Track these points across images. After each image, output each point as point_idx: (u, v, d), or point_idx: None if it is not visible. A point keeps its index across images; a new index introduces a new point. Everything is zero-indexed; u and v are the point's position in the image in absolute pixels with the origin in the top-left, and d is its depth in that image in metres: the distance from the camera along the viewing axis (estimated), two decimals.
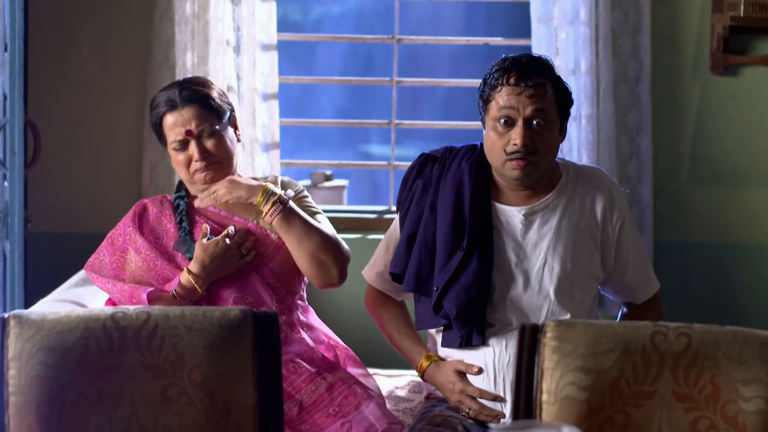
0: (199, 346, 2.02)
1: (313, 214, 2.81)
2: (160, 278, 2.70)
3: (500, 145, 2.61)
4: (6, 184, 3.48)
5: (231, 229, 2.71)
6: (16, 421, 2.00)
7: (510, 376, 2.60)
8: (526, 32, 3.84)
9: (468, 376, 2.65)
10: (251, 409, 2.03)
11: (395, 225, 2.81)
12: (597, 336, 2.00)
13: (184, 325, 2.03)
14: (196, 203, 2.80)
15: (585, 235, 2.70)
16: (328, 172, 5.50)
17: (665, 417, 1.97)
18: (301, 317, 2.77)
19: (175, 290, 2.66)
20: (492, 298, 2.65)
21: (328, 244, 2.73)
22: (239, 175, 2.81)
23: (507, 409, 2.62)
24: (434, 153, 2.79)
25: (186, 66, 3.73)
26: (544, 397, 2.00)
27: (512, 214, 2.68)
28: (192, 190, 2.83)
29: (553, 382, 2.00)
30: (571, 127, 3.68)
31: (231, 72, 3.76)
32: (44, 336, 2.02)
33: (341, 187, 5.54)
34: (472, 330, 2.63)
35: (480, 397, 2.63)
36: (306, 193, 2.88)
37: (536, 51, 3.74)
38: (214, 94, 2.77)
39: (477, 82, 2.73)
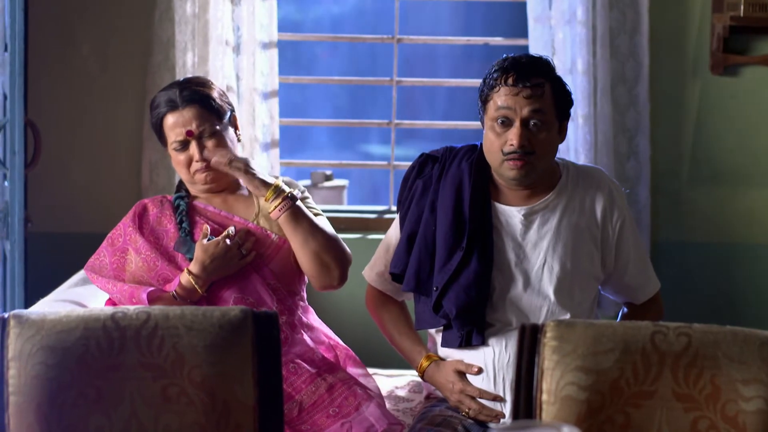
0: (199, 346, 2.02)
1: (314, 216, 2.80)
2: (160, 279, 2.70)
3: (498, 145, 2.61)
4: (6, 184, 3.48)
5: (231, 229, 2.70)
6: (16, 421, 2.00)
7: (510, 376, 2.60)
8: (526, 32, 3.84)
9: (468, 376, 2.65)
10: (251, 409, 2.03)
11: (395, 225, 2.81)
12: (597, 336, 2.00)
13: (184, 325, 2.03)
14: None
15: (585, 235, 2.70)
16: (328, 172, 5.50)
17: (665, 417, 1.97)
18: (302, 318, 2.77)
19: (175, 291, 2.66)
20: (492, 298, 2.65)
21: (332, 245, 2.74)
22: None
23: (507, 409, 2.62)
24: (434, 153, 2.79)
25: (186, 66, 3.73)
26: (544, 397, 2.00)
27: (512, 214, 2.68)
28: (192, 190, 2.83)
29: (553, 382, 2.00)
30: (569, 127, 3.68)
31: (231, 72, 3.76)
32: (44, 336, 2.02)
33: (341, 187, 5.54)
34: (471, 330, 2.63)
35: (480, 397, 2.63)
36: (307, 194, 2.88)
37: (533, 51, 3.74)
38: (215, 94, 2.77)
39: (477, 82, 2.74)
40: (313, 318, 2.82)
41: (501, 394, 2.61)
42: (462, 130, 4.31)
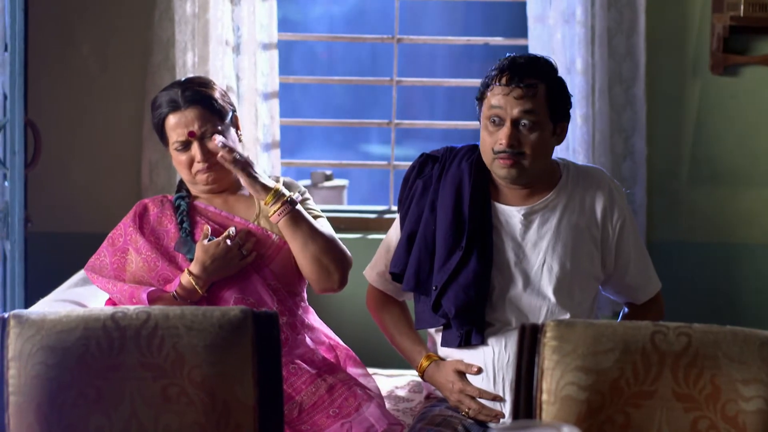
0: (199, 345, 2.02)
1: (314, 218, 2.80)
2: (160, 279, 2.69)
3: (489, 144, 2.62)
4: (6, 184, 3.48)
5: (232, 230, 2.70)
6: (16, 421, 2.00)
7: (509, 375, 2.60)
8: (526, 32, 3.84)
9: (468, 375, 2.65)
10: (251, 409, 2.03)
11: (396, 225, 2.81)
12: (597, 336, 2.00)
13: (184, 325, 2.03)
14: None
15: (585, 235, 2.70)
16: (328, 172, 5.50)
17: (665, 417, 1.97)
18: (302, 318, 2.77)
19: (175, 291, 2.66)
20: (491, 298, 2.65)
21: (332, 249, 2.73)
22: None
23: (506, 408, 2.62)
24: (434, 153, 2.80)
25: (186, 66, 3.73)
26: (544, 396, 2.00)
27: (512, 213, 2.69)
28: (193, 190, 2.82)
29: (553, 382, 2.00)
30: (568, 127, 3.69)
31: (231, 72, 3.76)
32: (44, 336, 2.02)
33: (341, 187, 5.54)
34: (471, 329, 2.63)
35: (479, 397, 2.63)
36: (308, 195, 2.88)
37: (533, 51, 3.74)
38: (217, 95, 2.76)
39: (477, 82, 2.74)
40: (313, 318, 2.82)
41: (501, 394, 2.62)
42: (462, 130, 4.31)
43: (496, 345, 2.63)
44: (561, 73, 2.74)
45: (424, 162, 2.79)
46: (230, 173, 2.76)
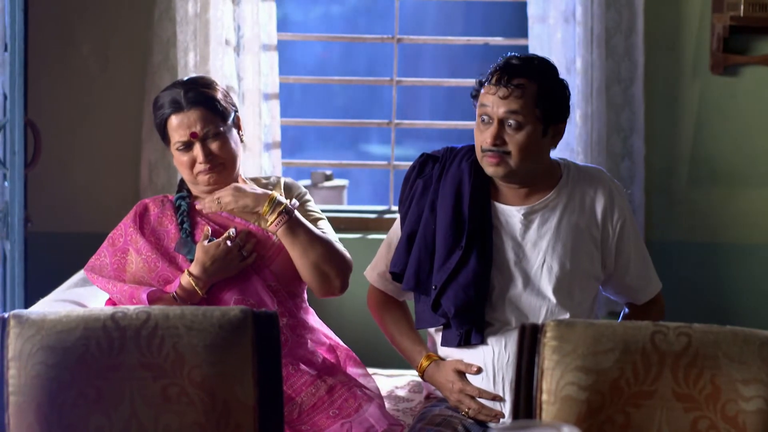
0: (199, 345, 2.02)
1: (315, 220, 2.80)
2: (160, 279, 2.69)
3: (479, 142, 2.65)
4: (6, 184, 3.48)
5: (232, 231, 2.70)
6: (16, 421, 2.00)
7: (509, 375, 2.60)
8: (526, 32, 3.84)
9: (467, 375, 2.65)
10: (251, 409, 2.03)
11: (396, 225, 2.81)
12: (597, 336, 2.00)
13: (184, 325, 2.03)
14: (199, 207, 2.79)
15: (585, 235, 2.70)
16: (328, 172, 5.50)
17: (665, 417, 1.97)
18: (302, 320, 2.77)
19: (175, 292, 2.65)
20: (491, 298, 2.65)
21: (332, 255, 2.73)
22: (243, 180, 2.81)
23: (506, 408, 2.62)
24: (435, 153, 2.80)
25: (187, 66, 3.73)
26: (544, 396, 2.00)
27: (512, 213, 2.69)
28: (194, 190, 2.82)
29: (553, 382, 2.00)
30: (568, 126, 3.69)
31: (231, 72, 3.76)
32: (44, 336, 2.02)
33: (341, 187, 5.54)
34: (470, 329, 2.64)
35: (479, 397, 2.63)
36: (309, 197, 2.87)
37: (533, 51, 3.74)
38: (219, 95, 2.75)
39: None
40: (313, 319, 2.82)
41: (500, 394, 2.62)
42: (462, 130, 4.31)
43: (495, 345, 2.63)
44: (561, 72, 2.74)
45: (424, 162, 2.79)
46: (231, 174, 2.76)
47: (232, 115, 2.78)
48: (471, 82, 4.01)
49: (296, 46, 6.07)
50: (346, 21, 6.44)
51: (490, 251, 2.66)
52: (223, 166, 2.73)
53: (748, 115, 3.93)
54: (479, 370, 2.63)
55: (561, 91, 2.67)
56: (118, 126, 3.92)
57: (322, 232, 2.76)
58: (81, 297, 2.99)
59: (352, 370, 2.78)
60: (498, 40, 4.11)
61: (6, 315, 2.05)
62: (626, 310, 2.86)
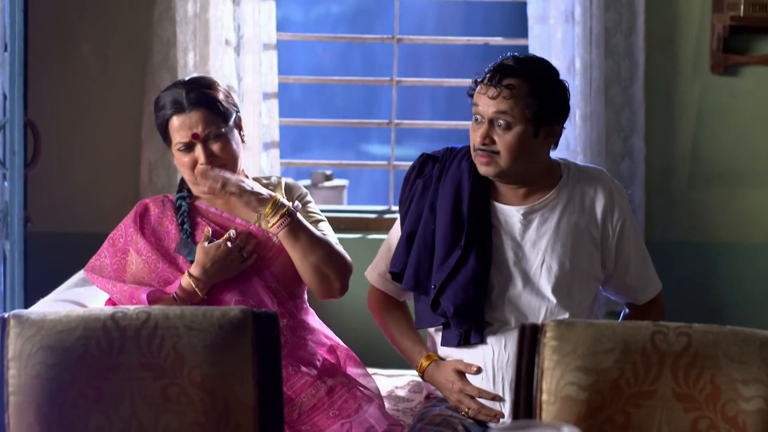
0: (199, 345, 2.02)
1: (316, 222, 2.79)
2: (161, 280, 2.69)
3: (472, 141, 2.66)
4: (6, 184, 3.49)
5: (232, 232, 2.69)
6: (16, 421, 2.00)
7: (509, 375, 2.60)
8: (525, 32, 3.84)
9: (467, 375, 2.65)
10: (251, 409, 2.03)
11: (397, 225, 2.81)
12: (597, 336, 2.00)
13: (184, 325, 2.03)
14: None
15: (584, 235, 2.70)
16: (328, 172, 5.50)
17: (665, 417, 1.97)
18: (302, 320, 2.76)
19: (175, 293, 2.65)
20: (490, 297, 2.65)
21: (333, 257, 2.72)
22: (246, 176, 2.80)
23: (506, 408, 2.62)
24: (435, 153, 2.80)
25: (186, 66, 3.73)
26: (544, 396, 2.00)
27: (511, 213, 2.69)
28: (195, 190, 2.81)
29: (553, 382, 2.00)
30: (568, 126, 3.69)
31: (231, 71, 3.76)
32: (44, 336, 2.02)
33: (341, 187, 5.54)
34: (470, 328, 2.64)
35: (479, 397, 2.63)
36: (309, 198, 2.87)
37: (533, 51, 3.74)
38: (221, 96, 2.75)
39: None
40: (313, 320, 2.82)
41: (500, 394, 2.62)
42: (462, 130, 4.30)
43: (495, 344, 2.63)
44: (561, 72, 2.74)
45: (424, 162, 2.80)
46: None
47: (234, 115, 2.77)
48: (470, 82, 4.03)
49: (296, 46, 6.07)
50: (346, 21, 6.44)
51: (490, 251, 2.66)
52: (224, 167, 2.73)
53: (748, 115, 3.93)
54: (479, 370, 2.63)
55: (557, 92, 2.65)
56: (118, 126, 3.92)
57: (323, 234, 2.76)
58: (81, 297, 2.99)
59: (352, 371, 2.78)
60: (498, 40, 4.11)
61: (6, 315, 2.05)
62: (626, 310, 2.86)
